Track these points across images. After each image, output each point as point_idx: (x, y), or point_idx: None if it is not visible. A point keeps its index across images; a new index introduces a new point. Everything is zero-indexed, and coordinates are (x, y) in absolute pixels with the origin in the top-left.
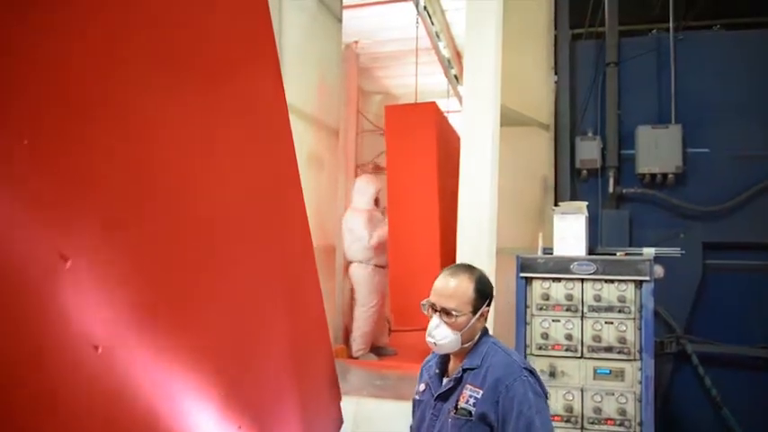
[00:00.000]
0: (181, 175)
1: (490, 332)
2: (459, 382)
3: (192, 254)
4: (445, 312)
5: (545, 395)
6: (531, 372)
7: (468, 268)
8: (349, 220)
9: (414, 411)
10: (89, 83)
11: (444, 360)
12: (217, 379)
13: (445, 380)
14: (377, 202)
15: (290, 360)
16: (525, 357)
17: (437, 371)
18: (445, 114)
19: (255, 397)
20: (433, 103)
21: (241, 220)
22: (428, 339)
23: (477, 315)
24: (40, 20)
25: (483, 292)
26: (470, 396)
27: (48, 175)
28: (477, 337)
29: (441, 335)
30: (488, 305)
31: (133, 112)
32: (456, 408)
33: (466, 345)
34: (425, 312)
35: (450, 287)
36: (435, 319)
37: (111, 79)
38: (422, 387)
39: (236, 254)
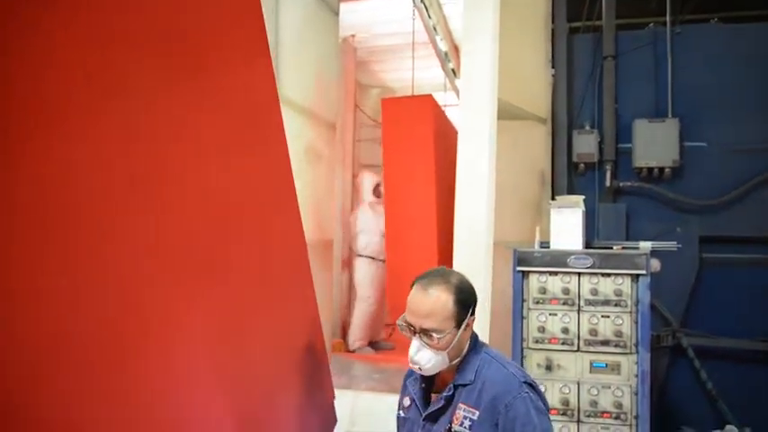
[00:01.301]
0: (169, 172)
1: (486, 327)
2: (450, 400)
3: (179, 250)
4: (425, 333)
5: (547, 409)
6: (531, 385)
7: (444, 276)
8: (361, 219)
9: (398, 430)
10: (79, 79)
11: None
12: (205, 377)
13: (434, 396)
14: (377, 193)
15: (282, 358)
16: (522, 351)
17: (423, 385)
18: (442, 108)
19: (245, 396)
20: (430, 95)
21: (231, 217)
22: (411, 366)
23: (463, 328)
24: (30, 17)
25: (465, 303)
26: (465, 417)
27: (35, 172)
28: (465, 349)
29: (424, 359)
30: (473, 313)
31: (121, 108)
32: (449, 431)
33: (454, 361)
34: (404, 333)
35: (427, 304)
36: (415, 343)
37: (100, 76)
38: (406, 402)
39: (224, 251)
